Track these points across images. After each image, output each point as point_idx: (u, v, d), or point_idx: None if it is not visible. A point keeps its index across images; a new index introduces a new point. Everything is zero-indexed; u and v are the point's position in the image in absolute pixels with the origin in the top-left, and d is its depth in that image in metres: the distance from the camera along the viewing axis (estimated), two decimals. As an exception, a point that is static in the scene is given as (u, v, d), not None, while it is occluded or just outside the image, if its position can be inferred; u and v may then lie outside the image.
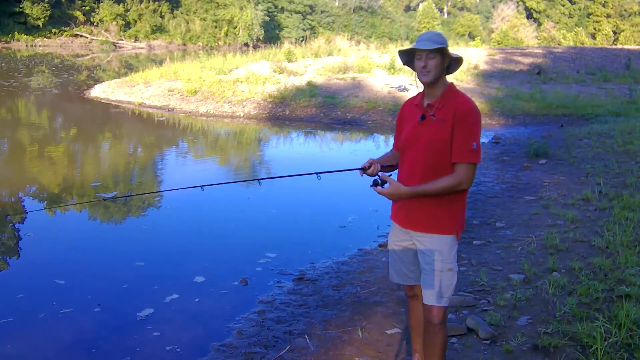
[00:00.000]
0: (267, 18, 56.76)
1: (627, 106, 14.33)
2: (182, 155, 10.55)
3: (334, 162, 9.77)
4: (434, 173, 2.60)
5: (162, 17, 51.63)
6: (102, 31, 46.92)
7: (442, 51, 2.60)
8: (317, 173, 2.95)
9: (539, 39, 57.83)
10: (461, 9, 78.59)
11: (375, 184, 2.73)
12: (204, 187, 3.35)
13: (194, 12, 54.07)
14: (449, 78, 2.78)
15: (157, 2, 51.37)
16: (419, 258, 2.72)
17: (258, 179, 3.16)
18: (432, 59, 2.59)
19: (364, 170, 2.80)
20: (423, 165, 2.64)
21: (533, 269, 4.42)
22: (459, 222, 2.69)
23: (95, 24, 47.54)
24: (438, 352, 2.70)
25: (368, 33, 62.37)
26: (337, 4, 67.71)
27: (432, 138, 2.60)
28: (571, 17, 73.50)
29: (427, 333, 2.73)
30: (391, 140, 11.80)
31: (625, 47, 36.07)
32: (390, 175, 2.78)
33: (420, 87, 2.76)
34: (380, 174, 2.76)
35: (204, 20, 53.49)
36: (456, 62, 2.69)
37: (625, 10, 69.35)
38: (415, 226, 2.70)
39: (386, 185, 2.70)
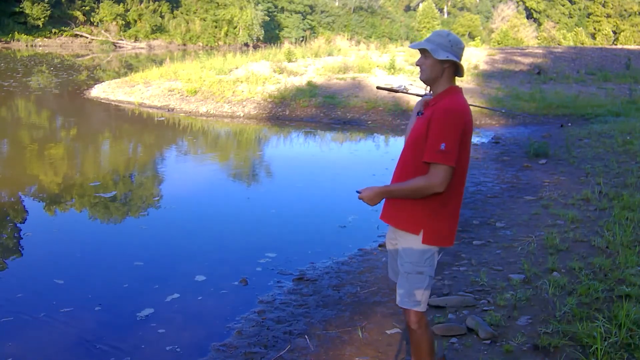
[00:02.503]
0: (267, 18, 56.73)
1: (627, 106, 14.32)
2: (182, 155, 10.55)
3: (334, 162, 9.78)
4: (410, 170, 2.59)
5: (162, 17, 51.61)
6: (102, 31, 46.90)
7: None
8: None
9: (539, 39, 57.82)
10: (461, 9, 78.58)
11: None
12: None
13: (194, 12, 54.05)
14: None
15: (157, 2, 51.34)
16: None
17: None
18: (426, 57, 2.61)
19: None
20: (403, 162, 2.67)
21: (533, 269, 4.42)
22: (427, 223, 2.57)
23: (95, 24, 47.51)
24: (425, 354, 2.71)
25: (368, 33, 62.34)
26: (337, 4, 67.68)
27: (414, 135, 2.63)
28: (571, 17, 73.49)
29: (411, 339, 2.76)
30: (391, 140, 11.75)
31: (625, 47, 36.06)
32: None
33: (426, 87, 2.79)
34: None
35: (204, 20, 53.47)
36: (458, 64, 2.64)
37: (625, 10, 69.32)
38: (389, 220, 2.72)
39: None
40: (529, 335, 3.42)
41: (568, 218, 5.72)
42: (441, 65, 2.59)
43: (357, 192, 2.70)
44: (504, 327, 3.56)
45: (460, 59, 2.61)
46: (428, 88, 2.75)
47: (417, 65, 2.67)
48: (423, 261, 2.60)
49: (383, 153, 10.49)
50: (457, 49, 2.59)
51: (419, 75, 2.70)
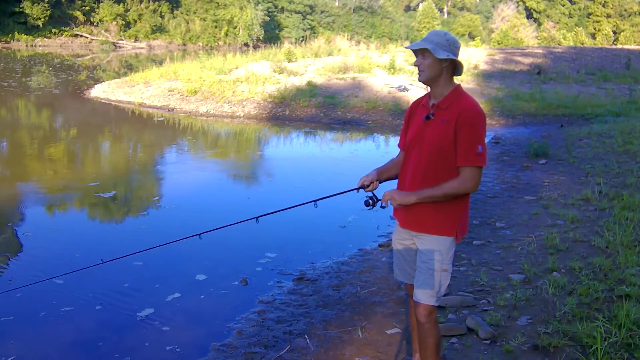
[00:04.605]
0: (267, 18, 56.75)
1: (627, 106, 14.32)
2: (181, 154, 10.54)
3: (334, 163, 9.77)
4: (436, 174, 2.60)
5: (162, 17, 51.63)
6: (102, 31, 46.92)
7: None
8: (314, 201, 3.00)
9: (539, 39, 57.79)
10: (461, 9, 78.58)
11: (367, 203, 2.77)
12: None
13: (194, 12, 54.07)
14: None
15: (157, 2, 51.36)
16: (417, 256, 2.73)
17: (256, 217, 3.20)
18: (425, 58, 2.59)
19: (362, 188, 2.84)
20: (425, 166, 2.63)
21: (533, 269, 4.42)
22: (459, 224, 2.68)
23: (95, 24, 47.55)
24: (431, 351, 2.72)
25: (368, 33, 62.32)
26: (337, 4, 67.70)
27: (436, 139, 2.59)
28: (571, 17, 73.49)
29: (420, 333, 2.76)
30: (391, 140, 11.70)
31: (625, 47, 36.06)
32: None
33: (427, 88, 2.76)
34: (373, 193, 2.81)
35: (204, 20, 53.49)
36: (457, 63, 2.65)
37: (625, 10, 69.34)
38: (415, 227, 2.70)
39: (379, 204, 2.75)
40: (529, 335, 3.42)
41: (568, 218, 5.72)
42: (440, 64, 2.59)
43: (368, 204, 2.75)
44: (504, 327, 3.56)
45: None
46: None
47: (415, 65, 2.66)
48: (449, 258, 2.67)
49: (383, 153, 10.48)
50: (455, 48, 2.62)
51: (417, 77, 2.69)
